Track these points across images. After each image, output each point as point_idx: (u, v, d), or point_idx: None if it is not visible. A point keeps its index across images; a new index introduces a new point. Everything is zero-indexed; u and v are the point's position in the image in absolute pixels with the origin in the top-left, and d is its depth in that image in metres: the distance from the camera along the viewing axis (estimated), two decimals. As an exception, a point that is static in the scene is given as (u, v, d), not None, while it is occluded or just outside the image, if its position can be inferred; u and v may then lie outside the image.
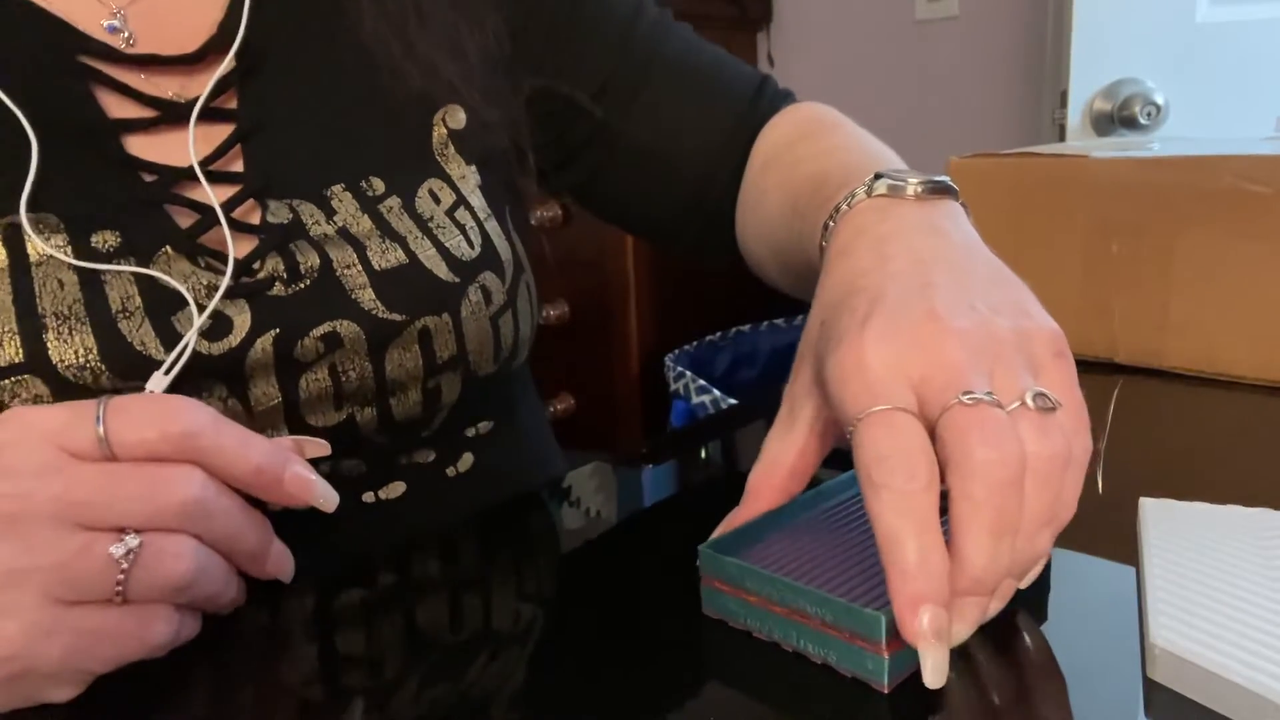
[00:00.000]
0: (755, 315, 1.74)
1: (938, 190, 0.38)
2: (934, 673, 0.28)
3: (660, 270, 1.74)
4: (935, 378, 0.30)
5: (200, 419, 0.33)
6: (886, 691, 0.30)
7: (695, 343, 1.70)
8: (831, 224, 0.39)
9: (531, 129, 0.56)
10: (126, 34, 0.45)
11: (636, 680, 0.33)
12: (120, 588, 0.31)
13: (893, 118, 2.07)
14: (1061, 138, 1.51)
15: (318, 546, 0.42)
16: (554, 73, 0.57)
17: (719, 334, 1.73)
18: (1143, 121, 1.42)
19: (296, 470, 0.35)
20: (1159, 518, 0.39)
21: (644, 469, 0.54)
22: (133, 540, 0.31)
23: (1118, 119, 1.44)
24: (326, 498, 0.37)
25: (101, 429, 0.31)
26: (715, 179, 0.59)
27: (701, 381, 1.53)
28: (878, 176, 0.38)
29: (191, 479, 0.32)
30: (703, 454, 0.56)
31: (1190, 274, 0.63)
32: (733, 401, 1.49)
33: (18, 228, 0.39)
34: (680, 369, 1.56)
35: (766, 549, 0.37)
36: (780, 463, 0.36)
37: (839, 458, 0.40)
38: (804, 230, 0.44)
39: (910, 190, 0.37)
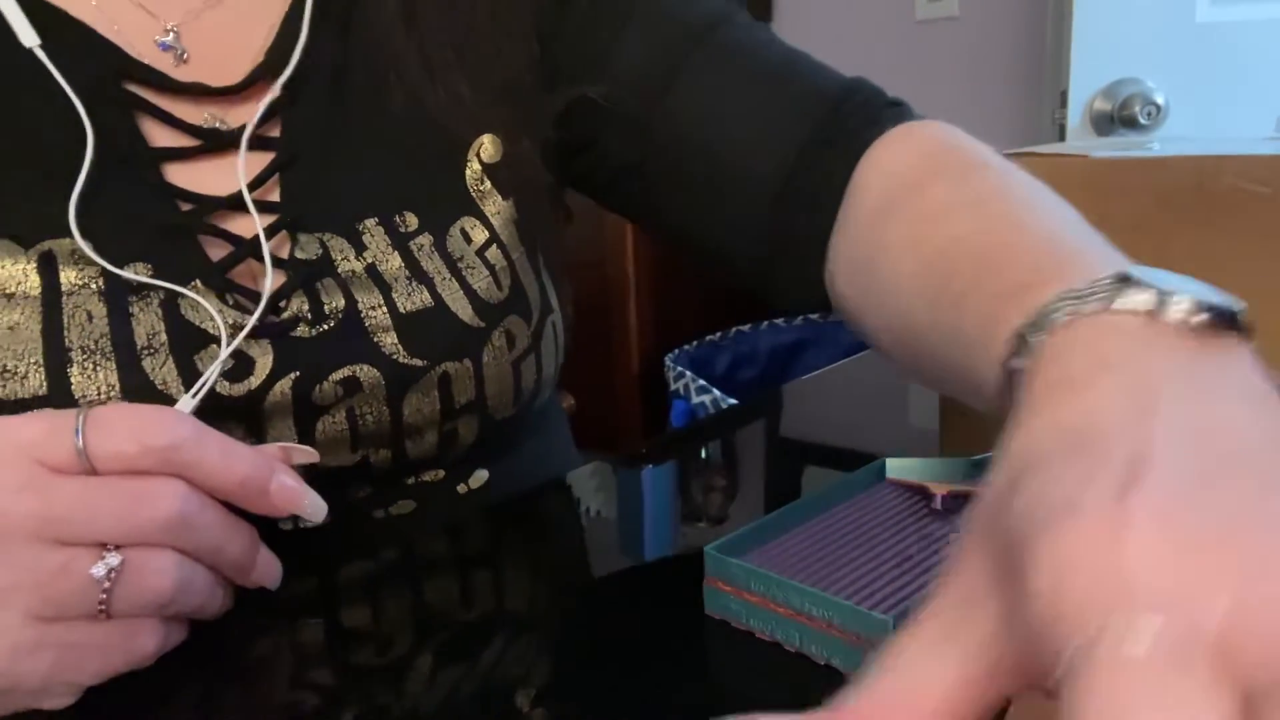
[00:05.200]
0: (755, 315, 1.74)
1: (1222, 320, 0.23)
2: None
3: (660, 270, 1.74)
4: (1259, 621, 0.15)
5: (182, 431, 0.32)
6: (888, 692, 0.30)
7: (695, 343, 1.70)
8: (1037, 338, 0.24)
9: (561, 144, 0.53)
10: (179, 50, 0.45)
11: (638, 680, 0.33)
12: (103, 605, 0.30)
13: (892, 117, 2.07)
14: (1061, 138, 1.51)
15: (325, 560, 0.42)
16: (586, 67, 0.51)
17: (719, 334, 1.73)
18: (1143, 121, 1.42)
19: (283, 481, 0.34)
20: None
21: (644, 469, 0.54)
22: (113, 559, 0.30)
23: (1118, 119, 1.44)
24: (314, 508, 0.36)
25: (80, 441, 0.30)
26: (785, 192, 0.46)
27: (701, 381, 1.53)
28: (1126, 279, 0.24)
29: (173, 493, 0.31)
30: (703, 454, 0.56)
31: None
32: (733, 401, 1.49)
33: (53, 255, 0.39)
34: (680, 369, 1.56)
35: (770, 550, 0.37)
36: (924, 692, 0.19)
37: (841, 457, 0.40)
38: (963, 324, 0.30)
39: (1179, 313, 0.23)
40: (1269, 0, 1.36)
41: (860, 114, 0.46)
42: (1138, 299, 0.23)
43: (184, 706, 0.34)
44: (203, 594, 0.34)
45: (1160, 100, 1.42)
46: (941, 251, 0.35)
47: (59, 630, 0.30)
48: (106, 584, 0.30)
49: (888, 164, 0.44)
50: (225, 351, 0.39)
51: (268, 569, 0.37)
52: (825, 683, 0.31)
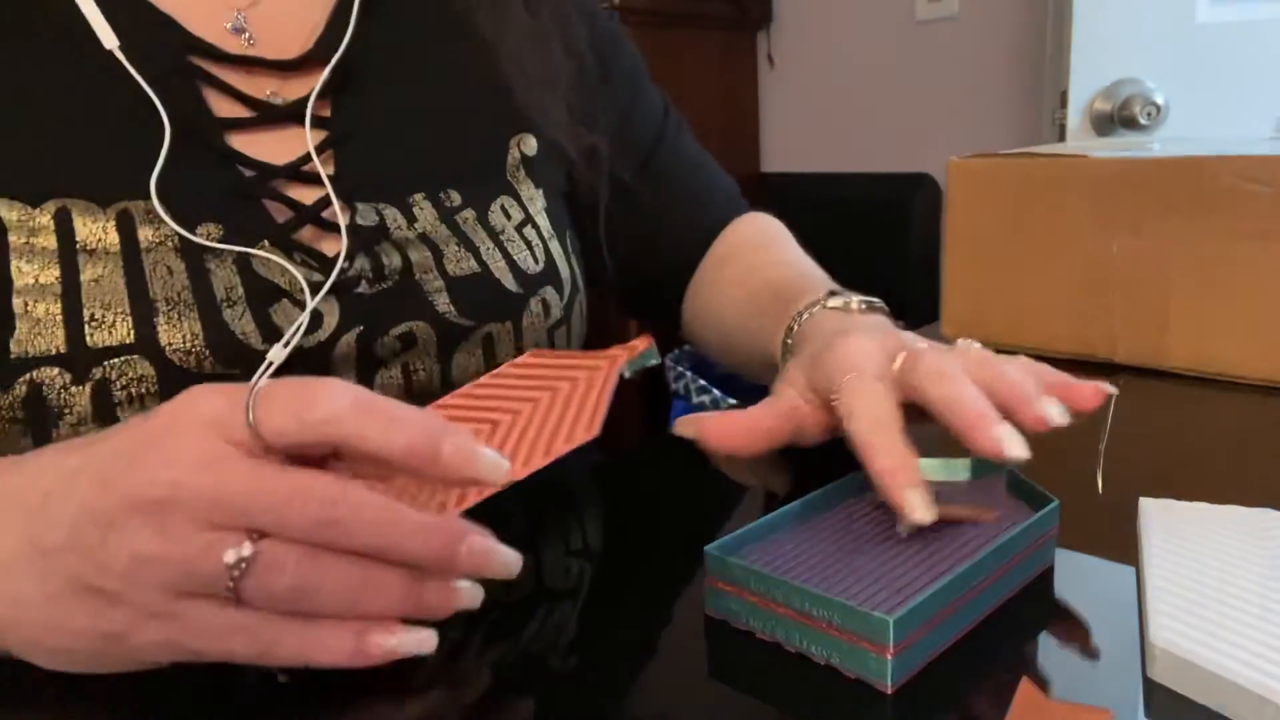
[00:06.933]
0: (755, 315, 1.74)
1: (874, 308, 0.48)
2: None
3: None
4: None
5: (339, 405, 0.30)
6: (890, 693, 0.30)
7: (695, 343, 1.70)
8: (796, 326, 0.49)
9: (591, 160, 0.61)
10: (248, 34, 0.48)
11: (638, 680, 0.33)
12: (231, 589, 0.29)
13: (893, 118, 2.07)
14: (1061, 138, 1.51)
15: None
16: (609, 124, 0.62)
17: (719, 334, 1.72)
18: (1143, 121, 1.42)
19: (455, 442, 0.31)
20: (1159, 518, 0.39)
21: (644, 469, 0.54)
22: (246, 549, 0.29)
23: (1118, 119, 1.44)
24: (493, 471, 0.31)
25: (250, 418, 0.29)
26: (690, 264, 0.68)
27: (702, 381, 1.53)
28: (833, 294, 0.50)
29: (329, 491, 0.29)
30: (703, 453, 0.56)
31: (1190, 274, 0.63)
32: (733, 402, 1.49)
33: (130, 214, 0.41)
34: (680, 369, 1.56)
35: (770, 550, 0.37)
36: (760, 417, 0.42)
37: (841, 458, 0.40)
38: (764, 326, 0.54)
39: (856, 304, 0.48)
40: (1269, 0, 1.36)
41: (739, 208, 0.71)
42: (836, 301, 0.49)
43: (199, 676, 0.34)
44: (349, 597, 0.30)
45: (1160, 100, 1.42)
46: (755, 288, 0.59)
47: (184, 606, 0.29)
48: (235, 573, 0.29)
49: (734, 236, 0.68)
50: (311, 304, 0.43)
51: (483, 560, 0.31)
52: (825, 683, 0.31)
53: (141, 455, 0.29)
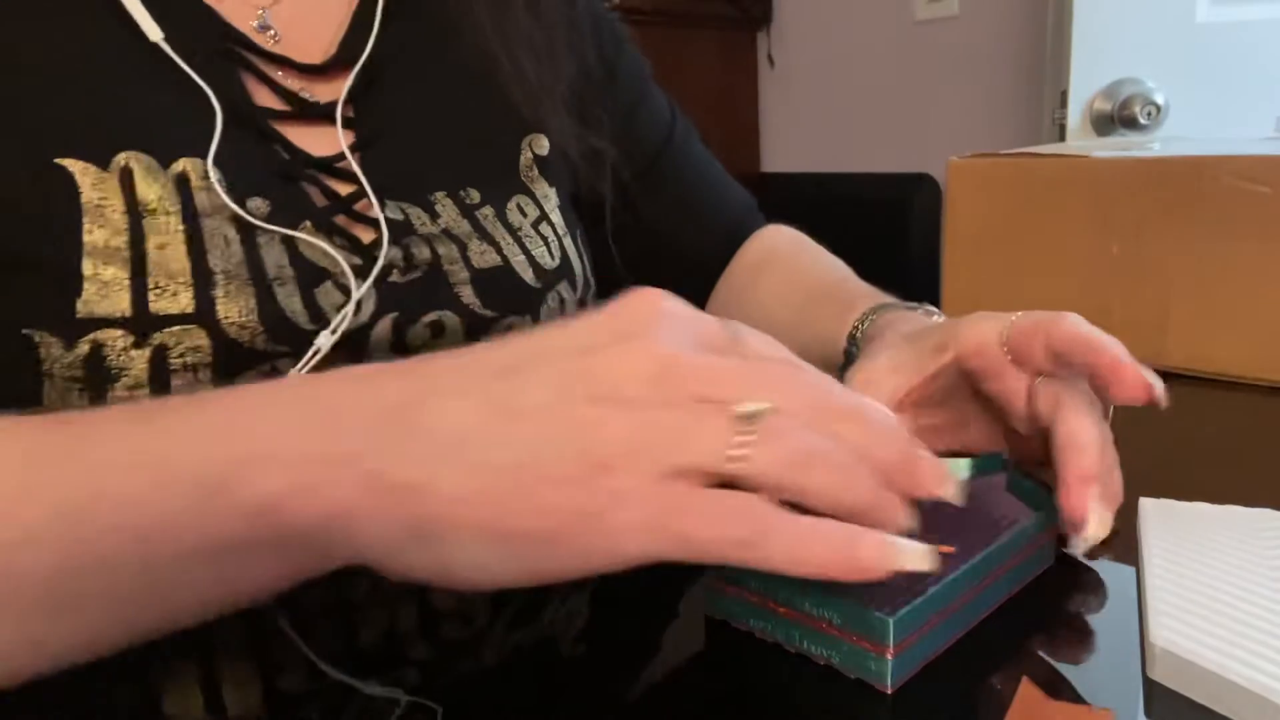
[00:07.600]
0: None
1: (930, 313, 0.53)
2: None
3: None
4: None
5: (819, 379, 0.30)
6: (890, 693, 0.30)
7: (695, 343, 1.70)
8: (873, 317, 0.53)
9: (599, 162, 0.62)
10: (273, 31, 0.49)
11: (639, 680, 0.33)
12: (733, 457, 0.27)
13: (893, 117, 2.07)
14: (1061, 138, 1.51)
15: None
16: (612, 127, 0.63)
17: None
18: (1143, 121, 1.42)
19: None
20: (1159, 518, 0.39)
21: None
22: (753, 406, 0.27)
23: (1118, 119, 1.44)
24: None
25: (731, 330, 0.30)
26: (703, 268, 0.70)
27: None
28: (893, 302, 0.54)
29: (817, 379, 0.30)
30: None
31: (1190, 274, 0.63)
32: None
33: (186, 178, 0.42)
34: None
35: (768, 549, 0.37)
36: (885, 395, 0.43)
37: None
38: (821, 317, 0.58)
39: (924, 309, 0.52)
40: (1269, 0, 1.36)
41: (755, 219, 0.72)
42: (914, 307, 0.52)
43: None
44: (836, 479, 0.29)
45: (1160, 100, 1.42)
46: (807, 287, 0.63)
47: (678, 483, 0.28)
48: (741, 432, 0.27)
49: (765, 242, 0.71)
50: (359, 293, 0.44)
51: (927, 476, 0.31)
52: (825, 683, 0.31)
53: (632, 332, 0.29)
